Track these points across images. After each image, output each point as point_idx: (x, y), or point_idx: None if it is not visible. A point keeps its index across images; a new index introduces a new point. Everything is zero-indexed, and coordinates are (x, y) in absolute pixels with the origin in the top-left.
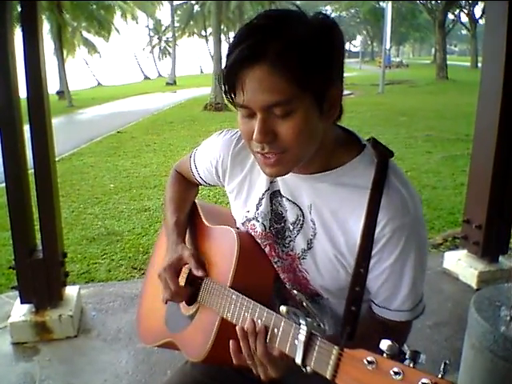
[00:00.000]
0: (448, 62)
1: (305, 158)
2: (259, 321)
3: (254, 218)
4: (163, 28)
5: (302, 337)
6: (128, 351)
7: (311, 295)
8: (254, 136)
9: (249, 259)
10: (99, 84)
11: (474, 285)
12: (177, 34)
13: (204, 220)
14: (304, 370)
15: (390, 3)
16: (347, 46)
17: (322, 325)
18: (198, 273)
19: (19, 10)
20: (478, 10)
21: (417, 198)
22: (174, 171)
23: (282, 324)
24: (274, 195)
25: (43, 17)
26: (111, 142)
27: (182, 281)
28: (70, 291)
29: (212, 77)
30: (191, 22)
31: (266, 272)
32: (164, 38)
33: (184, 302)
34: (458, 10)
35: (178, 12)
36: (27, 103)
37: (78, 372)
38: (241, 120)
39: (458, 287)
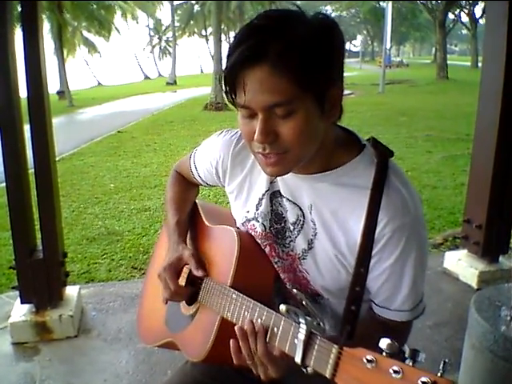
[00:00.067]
0: (448, 62)
1: (306, 158)
2: (259, 320)
3: (253, 219)
4: (163, 28)
5: (301, 336)
6: (128, 351)
7: (311, 295)
8: (256, 136)
9: (249, 259)
10: (99, 84)
11: (474, 285)
12: (177, 34)
13: (204, 220)
14: (305, 370)
15: (390, 3)
16: (347, 45)
17: (321, 324)
18: (198, 273)
19: (19, 9)
20: (478, 10)
21: (417, 198)
22: (174, 171)
23: (282, 323)
24: (274, 195)
25: (43, 16)
26: (111, 141)
27: (182, 281)
28: (71, 291)
29: (212, 76)
30: (191, 22)
31: (266, 272)
32: (164, 38)
33: (184, 302)
34: (458, 10)
35: (179, 12)
36: (27, 103)
37: (79, 372)
38: (241, 120)
39: (458, 287)
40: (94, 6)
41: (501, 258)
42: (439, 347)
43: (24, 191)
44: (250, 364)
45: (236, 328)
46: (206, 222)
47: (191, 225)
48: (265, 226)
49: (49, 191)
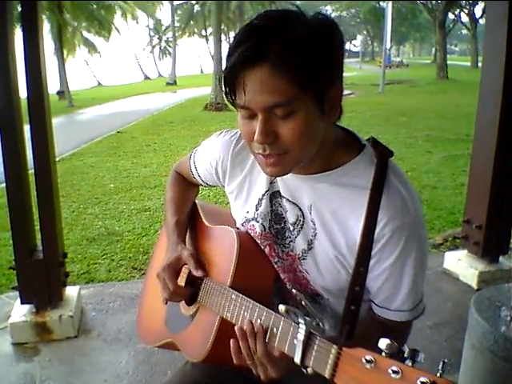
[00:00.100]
0: (448, 62)
1: (306, 159)
2: (258, 320)
3: (253, 219)
4: (163, 28)
5: (300, 336)
6: (128, 351)
7: (312, 295)
8: (256, 137)
9: (249, 259)
10: (99, 84)
11: (474, 285)
12: (177, 34)
13: (204, 220)
14: (305, 371)
15: (390, 3)
16: (347, 45)
17: (321, 324)
18: (197, 273)
19: (19, 10)
20: (478, 10)
21: (417, 198)
22: (173, 172)
23: (281, 323)
24: (273, 196)
25: (43, 17)
26: (111, 142)
27: (181, 281)
28: (71, 291)
29: (212, 77)
30: (191, 22)
31: (266, 272)
32: (164, 38)
33: (184, 303)
34: (458, 10)
35: (179, 12)
36: (27, 103)
37: (79, 372)
38: (241, 121)
39: (458, 287)
40: (94, 6)
41: (501, 259)
42: (439, 347)
43: (24, 191)
44: (250, 364)
45: (236, 328)
46: (206, 223)
47: (191, 225)
48: (264, 227)
49: (49, 191)
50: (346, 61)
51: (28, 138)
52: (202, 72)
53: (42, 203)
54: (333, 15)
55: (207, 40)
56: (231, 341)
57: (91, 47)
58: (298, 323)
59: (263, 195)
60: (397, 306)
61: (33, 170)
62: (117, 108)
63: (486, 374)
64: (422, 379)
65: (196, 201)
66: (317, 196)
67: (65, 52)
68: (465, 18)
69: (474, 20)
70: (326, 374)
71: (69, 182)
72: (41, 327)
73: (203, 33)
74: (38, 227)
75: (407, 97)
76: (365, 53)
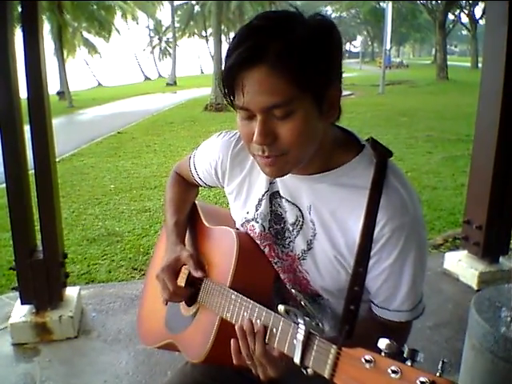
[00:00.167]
0: (448, 63)
1: (305, 159)
2: (258, 321)
3: (253, 219)
4: (163, 28)
5: (300, 336)
6: (128, 352)
7: (312, 295)
8: (254, 138)
9: (248, 259)
10: (99, 84)
11: (474, 285)
12: (177, 35)
13: (204, 221)
14: (305, 371)
15: (390, 3)
16: (348, 46)
17: (320, 324)
18: (197, 274)
19: (20, 10)
20: (478, 11)
21: (416, 198)
22: (173, 172)
23: (281, 324)
24: (273, 196)
25: (44, 17)
26: (111, 142)
27: (181, 281)
28: (71, 292)
29: (212, 77)
30: (191, 23)
31: (266, 272)
32: (164, 39)
33: (184, 303)
34: (458, 11)
35: (179, 12)
36: (27, 104)
37: (79, 373)
38: (240, 122)
39: (458, 288)
40: (94, 7)
41: (501, 259)
42: (439, 348)
43: (24, 192)
44: (250, 364)
45: (236, 327)
46: (206, 223)
47: (190, 225)
48: (264, 227)
49: (49, 192)
50: (346, 61)
51: (28, 138)
52: (202, 73)
53: (42, 203)
54: (333, 16)
55: (207, 40)
56: (232, 340)
57: (91, 48)
58: (298, 323)
59: (263, 196)
60: (396, 306)
61: (33, 171)
62: (117, 108)
63: (486, 374)
64: (422, 379)
65: (196, 201)
66: (316, 196)
67: (65, 52)
68: (465, 19)
69: (474, 21)
70: (326, 374)
71: (69, 182)
72: (41, 328)
73: (203, 33)
74: (38, 227)
75: (407, 97)
76: (365, 53)
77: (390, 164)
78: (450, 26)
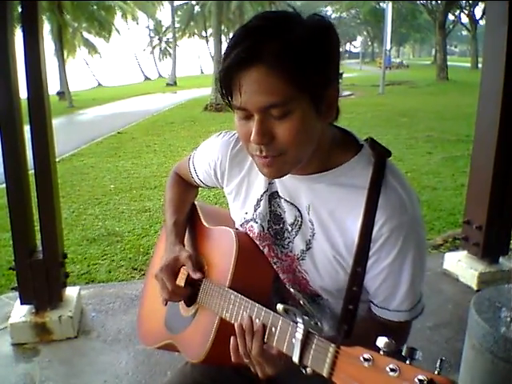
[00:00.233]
0: (448, 63)
1: (303, 160)
2: (257, 320)
3: (252, 220)
4: (164, 29)
5: (299, 335)
6: (128, 352)
7: (311, 295)
8: (252, 137)
9: (247, 259)
10: (100, 85)
11: (474, 286)
12: (177, 35)
13: (203, 221)
14: (304, 371)
15: (390, 4)
16: (348, 46)
17: (319, 323)
18: (196, 275)
19: (20, 10)
20: (478, 11)
21: (414, 198)
22: (173, 173)
23: (280, 323)
24: (272, 196)
25: (44, 17)
26: (111, 142)
27: (181, 281)
28: (70, 292)
29: (212, 77)
30: (192, 23)
31: (265, 272)
32: (164, 39)
33: (183, 304)
34: (458, 11)
35: (179, 12)
36: (27, 104)
37: (78, 373)
38: (238, 122)
39: (458, 288)
40: (95, 7)
41: (501, 259)
42: (439, 348)
43: (24, 192)
44: (248, 362)
45: (236, 325)
46: (205, 223)
47: (190, 226)
48: (263, 227)
49: (49, 192)
50: (346, 62)
51: (28, 138)
52: (202, 73)
53: (42, 203)
54: (333, 16)
55: (207, 41)
56: (231, 338)
57: (91, 48)
58: (297, 322)
59: (262, 196)
60: (396, 306)
61: (33, 171)
62: (117, 109)
63: (486, 374)
64: (420, 377)
65: (195, 202)
66: (315, 196)
67: (65, 53)
68: (465, 19)
69: (474, 21)
70: (324, 373)
71: (69, 182)
72: (40, 328)
73: (203, 33)
74: (37, 227)
75: (407, 98)
76: (365, 54)
77: (389, 164)
78: (450, 26)
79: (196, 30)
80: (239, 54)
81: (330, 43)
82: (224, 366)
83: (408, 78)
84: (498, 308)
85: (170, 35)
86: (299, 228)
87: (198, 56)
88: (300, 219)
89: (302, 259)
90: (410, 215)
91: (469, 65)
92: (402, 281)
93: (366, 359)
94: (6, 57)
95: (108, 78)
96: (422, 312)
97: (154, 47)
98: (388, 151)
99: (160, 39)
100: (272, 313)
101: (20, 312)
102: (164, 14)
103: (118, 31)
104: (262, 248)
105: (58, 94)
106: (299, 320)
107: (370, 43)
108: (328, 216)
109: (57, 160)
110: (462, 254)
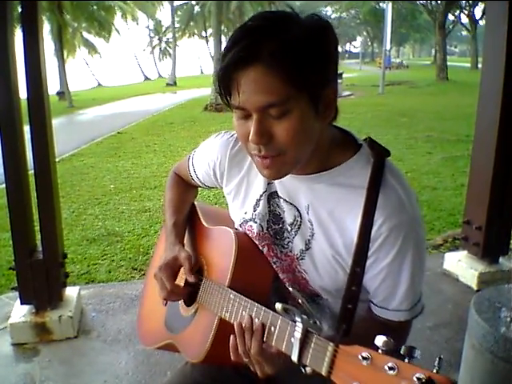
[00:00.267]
0: (448, 63)
1: (302, 160)
2: (256, 319)
3: (251, 220)
4: (163, 29)
5: (297, 334)
6: (128, 352)
7: (311, 295)
8: (250, 137)
9: (247, 259)
10: (99, 85)
11: (474, 286)
12: (177, 35)
13: (203, 221)
14: (303, 370)
15: (390, 4)
16: (347, 46)
17: (318, 322)
18: (190, 278)
19: (19, 10)
20: (478, 11)
21: (413, 197)
22: (172, 173)
23: (279, 322)
24: (271, 196)
25: (43, 17)
26: (111, 142)
27: (180, 281)
28: (70, 292)
29: (212, 77)
30: (191, 23)
31: (264, 272)
32: (164, 39)
33: (183, 303)
34: (458, 11)
35: (179, 13)
36: (27, 104)
37: (78, 373)
38: (236, 122)
39: (458, 288)
40: (94, 7)
41: (501, 259)
42: (439, 348)
43: (24, 192)
44: (247, 361)
45: (235, 324)
46: (205, 224)
47: (189, 226)
48: (262, 227)
49: (49, 192)
50: (346, 62)
51: (28, 138)
52: (202, 73)
53: (42, 203)
54: (333, 16)
55: (207, 41)
56: (231, 337)
57: (91, 48)
58: (295, 322)
59: (261, 196)
60: (395, 305)
61: (33, 171)
62: (117, 109)
63: (486, 374)
64: (418, 375)
65: (195, 202)
66: (314, 196)
67: (65, 53)
68: (465, 19)
69: (473, 21)
70: (323, 372)
71: (69, 182)
72: (40, 328)
73: (203, 34)
74: (37, 227)
75: (407, 98)
76: (365, 54)
77: (388, 163)
78: (450, 26)
79: (196, 30)
80: (237, 54)
81: (328, 43)
82: (224, 365)
83: (408, 78)
84: (497, 308)
85: (169, 35)
86: (298, 228)
87: (198, 56)
88: (299, 219)
89: (302, 259)
90: (409, 214)
91: (469, 65)
92: (402, 280)
93: (364, 358)
94: (5, 57)
95: (108, 78)
96: (421, 311)
97: (153, 47)
98: (387, 151)
99: (160, 39)
100: (271, 312)
101: (20, 312)
102: (164, 14)
103: (118, 31)
104: (261, 248)
105: (58, 93)
106: (298, 319)
107: (369, 43)
108: (327, 216)
109: (57, 160)
110: (462, 254)
